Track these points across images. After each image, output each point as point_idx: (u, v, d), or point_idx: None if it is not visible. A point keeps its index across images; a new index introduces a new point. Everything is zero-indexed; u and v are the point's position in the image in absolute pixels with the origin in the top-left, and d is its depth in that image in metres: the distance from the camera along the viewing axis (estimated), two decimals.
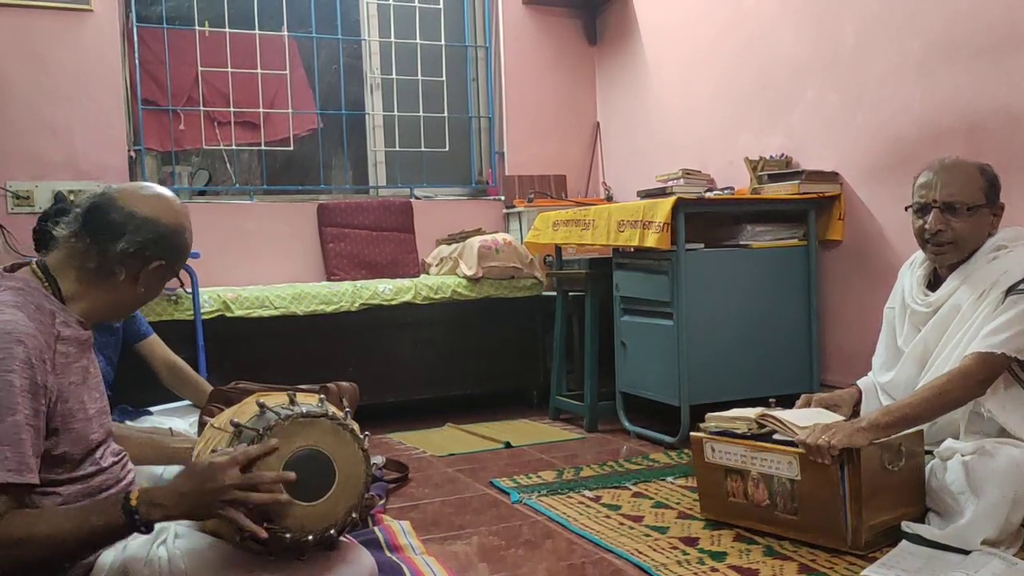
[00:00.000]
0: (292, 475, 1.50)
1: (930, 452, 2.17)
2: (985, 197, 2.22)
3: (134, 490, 1.45)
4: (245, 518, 1.45)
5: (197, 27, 4.21)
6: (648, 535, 2.25)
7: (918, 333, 2.31)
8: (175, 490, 1.45)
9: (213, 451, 1.53)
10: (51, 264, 1.57)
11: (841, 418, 2.21)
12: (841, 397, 2.44)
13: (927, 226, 2.24)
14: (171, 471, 1.92)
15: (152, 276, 1.62)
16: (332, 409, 1.62)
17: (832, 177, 3.34)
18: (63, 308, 1.54)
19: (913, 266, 2.40)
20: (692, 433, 2.35)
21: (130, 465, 1.72)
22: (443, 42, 4.73)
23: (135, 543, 1.56)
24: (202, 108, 4.24)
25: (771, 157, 3.57)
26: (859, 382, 2.50)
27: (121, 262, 1.57)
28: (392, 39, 4.62)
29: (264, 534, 1.47)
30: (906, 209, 2.34)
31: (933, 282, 2.33)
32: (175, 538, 1.58)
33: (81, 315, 1.57)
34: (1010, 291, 2.11)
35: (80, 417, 1.53)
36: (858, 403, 2.44)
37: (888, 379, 2.38)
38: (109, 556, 1.54)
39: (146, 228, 1.58)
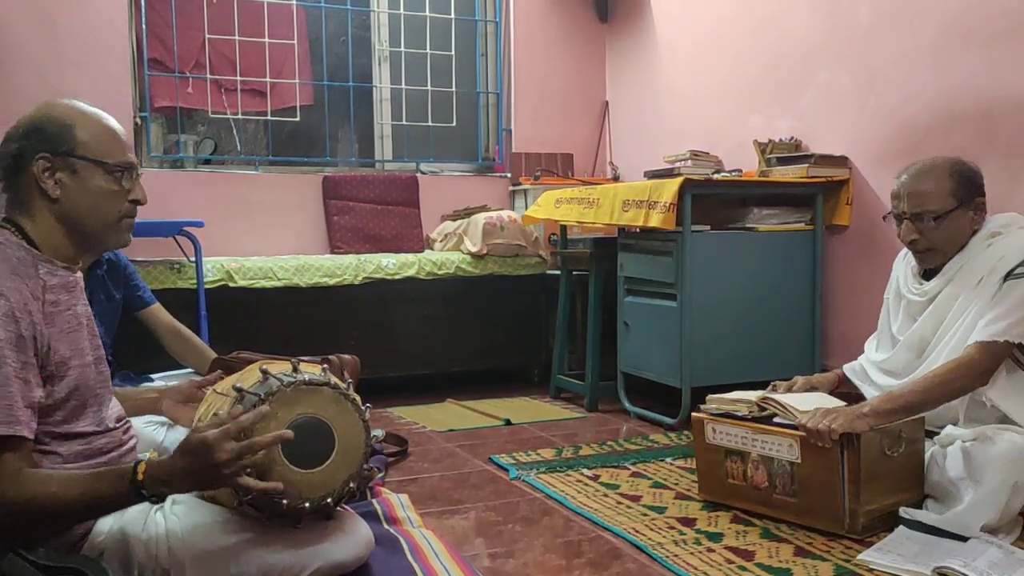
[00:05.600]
0: (290, 433, 1.50)
1: (930, 436, 2.17)
2: (957, 200, 2.20)
3: (141, 463, 1.44)
4: (258, 482, 1.46)
5: None
6: (646, 514, 2.25)
7: (913, 322, 2.31)
8: (176, 469, 1.44)
9: (215, 415, 1.52)
10: (13, 215, 1.54)
11: (841, 403, 2.21)
12: (819, 381, 2.44)
13: (901, 236, 2.26)
14: (171, 438, 1.94)
15: (53, 178, 1.51)
16: (334, 379, 1.62)
17: (841, 161, 3.31)
18: (43, 256, 1.52)
19: (907, 256, 2.39)
20: (694, 414, 2.35)
21: (133, 431, 1.72)
22: (453, 15, 4.68)
23: (133, 508, 1.57)
24: (209, 76, 4.21)
25: (780, 140, 3.55)
26: (844, 367, 2.50)
27: (21, 182, 1.51)
28: (401, 11, 4.58)
29: (281, 486, 1.48)
30: (884, 218, 2.35)
31: (928, 270, 2.31)
32: (172, 504, 1.59)
33: (57, 257, 1.54)
34: (1008, 276, 2.10)
35: (76, 364, 1.52)
36: (836, 387, 2.44)
37: (883, 359, 2.37)
38: (108, 520, 1.55)
39: (18, 133, 1.52)
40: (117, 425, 1.65)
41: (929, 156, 2.34)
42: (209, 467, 1.42)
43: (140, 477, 1.42)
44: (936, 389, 2.09)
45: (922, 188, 2.22)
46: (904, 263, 2.40)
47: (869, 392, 2.35)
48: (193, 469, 1.43)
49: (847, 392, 2.41)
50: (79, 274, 1.61)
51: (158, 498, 1.45)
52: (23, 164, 1.51)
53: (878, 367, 2.39)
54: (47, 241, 1.53)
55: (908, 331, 2.31)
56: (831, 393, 2.37)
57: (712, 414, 2.29)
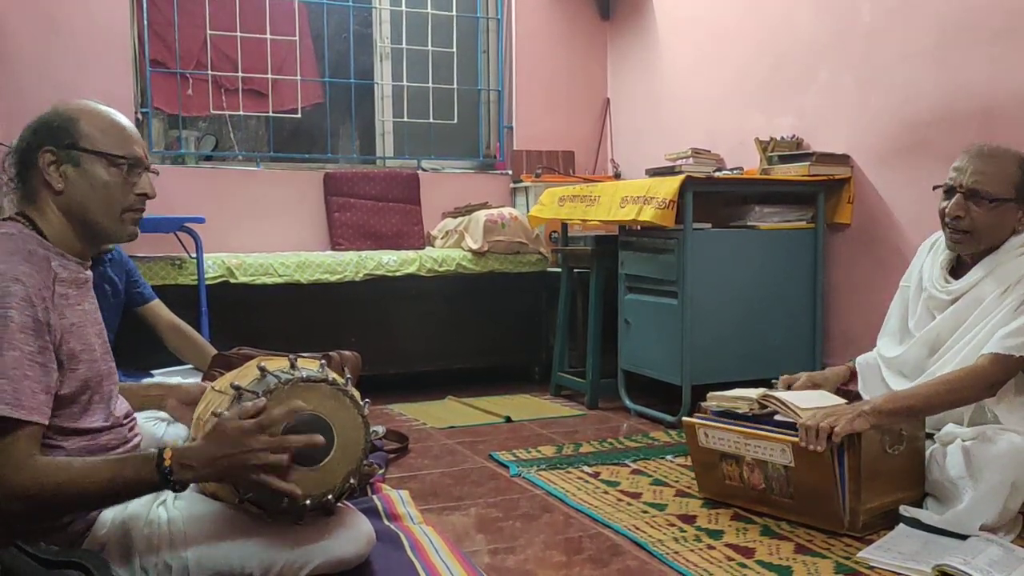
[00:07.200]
0: (321, 438, 1.51)
1: (931, 436, 2.17)
2: (1015, 192, 2.13)
3: (167, 448, 1.45)
4: (278, 481, 1.46)
5: None
6: (646, 512, 2.25)
7: (932, 318, 2.26)
8: (207, 454, 1.45)
9: (213, 413, 1.52)
10: (25, 210, 1.56)
11: (843, 401, 2.19)
12: (825, 377, 2.41)
13: (947, 210, 2.18)
14: (171, 432, 1.94)
15: (58, 171, 1.53)
16: (332, 375, 1.62)
17: (843, 160, 3.31)
18: (55, 250, 1.53)
19: (936, 249, 2.32)
20: (685, 418, 2.34)
21: (138, 428, 1.73)
22: (455, 12, 4.68)
23: (136, 502, 1.57)
24: (210, 72, 4.21)
25: (782, 138, 3.54)
26: (857, 360, 2.46)
27: (30, 177, 1.54)
28: (403, 7, 4.58)
29: (299, 492, 1.48)
30: (934, 189, 2.26)
31: (956, 268, 2.26)
32: (175, 499, 1.59)
33: (68, 251, 1.55)
34: None
35: (85, 359, 1.53)
36: (846, 383, 2.42)
37: (896, 355, 2.33)
38: (110, 513, 1.55)
39: (28, 130, 1.56)
40: (125, 421, 1.65)
41: (986, 142, 2.25)
42: (237, 455, 1.44)
43: (167, 462, 1.42)
44: (942, 395, 2.06)
45: (989, 168, 2.14)
46: (931, 256, 2.33)
47: (874, 392, 2.31)
48: (222, 455, 1.44)
49: (848, 391, 2.40)
50: (89, 272, 1.62)
51: (181, 485, 1.45)
52: (32, 159, 1.54)
53: (890, 364, 2.35)
54: (56, 234, 1.55)
55: (925, 328, 2.26)
56: (837, 390, 2.35)
57: (712, 412, 2.28)
